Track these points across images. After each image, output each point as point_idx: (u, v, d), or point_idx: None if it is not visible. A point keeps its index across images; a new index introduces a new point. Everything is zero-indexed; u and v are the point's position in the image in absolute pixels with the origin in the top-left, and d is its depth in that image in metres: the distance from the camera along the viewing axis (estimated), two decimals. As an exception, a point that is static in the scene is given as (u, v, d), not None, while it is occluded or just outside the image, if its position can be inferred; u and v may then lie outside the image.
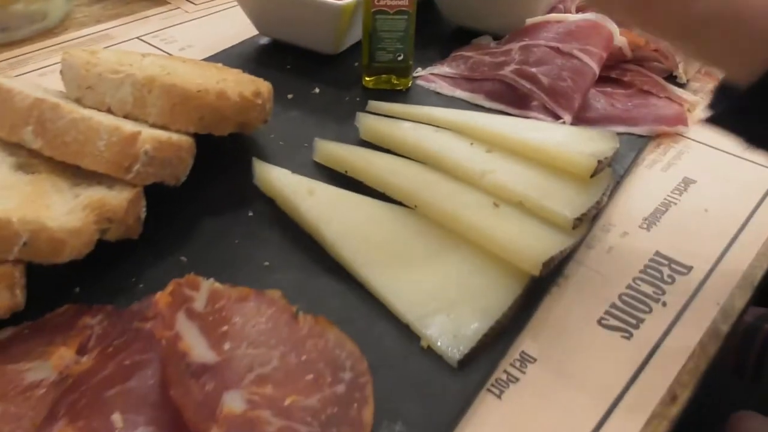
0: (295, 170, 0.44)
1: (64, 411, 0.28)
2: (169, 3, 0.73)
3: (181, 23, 0.68)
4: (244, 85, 0.44)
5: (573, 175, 0.42)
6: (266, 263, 0.39)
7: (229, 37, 0.63)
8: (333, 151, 0.46)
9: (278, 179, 0.43)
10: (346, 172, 0.45)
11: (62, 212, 0.35)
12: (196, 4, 0.73)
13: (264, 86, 0.45)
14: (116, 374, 0.29)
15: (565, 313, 0.37)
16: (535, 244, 0.36)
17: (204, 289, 0.33)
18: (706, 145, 0.51)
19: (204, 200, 0.43)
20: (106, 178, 0.37)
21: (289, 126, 0.50)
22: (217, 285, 0.34)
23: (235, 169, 0.45)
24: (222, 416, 0.28)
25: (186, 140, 0.40)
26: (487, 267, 0.37)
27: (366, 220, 0.40)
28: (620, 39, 0.55)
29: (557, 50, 0.53)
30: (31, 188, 0.36)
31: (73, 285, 0.37)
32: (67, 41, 0.64)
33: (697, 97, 0.55)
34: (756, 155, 0.38)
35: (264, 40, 0.63)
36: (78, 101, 0.41)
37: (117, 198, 0.36)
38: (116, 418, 0.27)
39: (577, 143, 0.45)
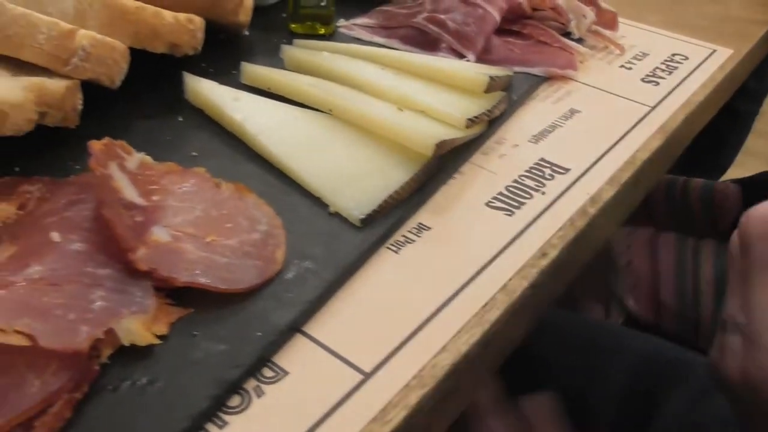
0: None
1: (6, 237, 0.31)
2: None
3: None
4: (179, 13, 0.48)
5: (470, 91, 0.48)
6: (194, 153, 0.43)
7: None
8: (258, 72, 0.50)
9: (207, 89, 0.47)
10: (269, 88, 0.49)
11: (4, 89, 0.38)
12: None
13: (197, 17, 0.50)
14: (54, 209, 0.33)
15: (458, 197, 0.43)
16: (431, 132, 0.42)
17: (135, 156, 0.37)
18: (591, 86, 0.58)
19: (139, 105, 0.47)
20: (46, 71, 0.41)
21: (218, 58, 0.55)
22: (147, 158, 0.39)
23: (169, 83, 0.49)
24: (150, 240, 0.32)
25: (120, 44, 0.44)
26: (389, 152, 0.42)
27: (285, 119, 0.45)
28: (520, -5, 0.62)
29: (464, 1, 0.60)
30: (-25, 71, 0.39)
31: (12, 164, 0.40)
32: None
33: (588, 50, 0.63)
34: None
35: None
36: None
37: (55, 84, 0.40)
38: (54, 234, 0.31)
39: (476, 68, 0.51)
